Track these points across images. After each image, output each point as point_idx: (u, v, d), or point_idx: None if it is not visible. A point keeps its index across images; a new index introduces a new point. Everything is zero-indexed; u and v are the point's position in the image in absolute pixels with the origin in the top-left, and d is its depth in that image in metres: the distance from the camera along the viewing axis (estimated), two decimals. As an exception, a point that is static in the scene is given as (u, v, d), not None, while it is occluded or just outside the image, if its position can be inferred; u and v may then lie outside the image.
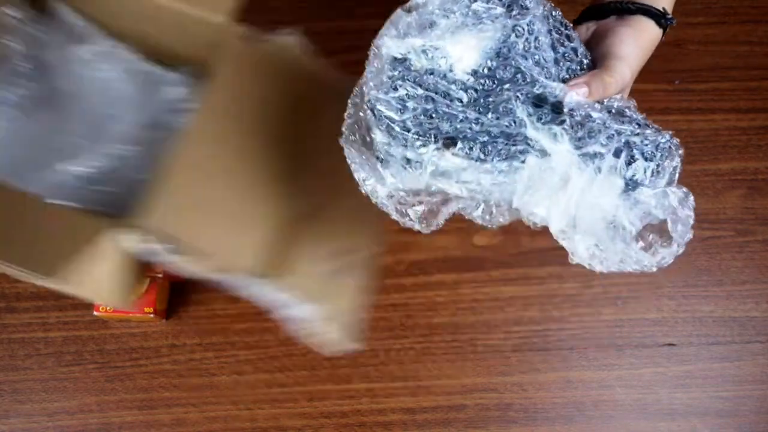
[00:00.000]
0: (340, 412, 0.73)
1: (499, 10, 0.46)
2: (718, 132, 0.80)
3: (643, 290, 0.76)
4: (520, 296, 0.76)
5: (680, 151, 0.49)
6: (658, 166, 0.48)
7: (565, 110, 0.46)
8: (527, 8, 0.47)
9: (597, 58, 0.50)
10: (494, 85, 0.46)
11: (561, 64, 0.48)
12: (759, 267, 0.77)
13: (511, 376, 0.74)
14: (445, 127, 0.45)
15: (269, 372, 0.73)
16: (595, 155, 0.47)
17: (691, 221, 0.49)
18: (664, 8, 0.51)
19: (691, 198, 0.49)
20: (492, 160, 0.46)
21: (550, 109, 0.47)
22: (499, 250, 0.77)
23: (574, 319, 0.75)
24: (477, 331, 0.75)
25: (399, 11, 0.46)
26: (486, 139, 0.46)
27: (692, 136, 0.80)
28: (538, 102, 0.47)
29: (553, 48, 0.48)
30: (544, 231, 0.77)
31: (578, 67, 0.49)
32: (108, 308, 0.69)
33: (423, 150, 0.45)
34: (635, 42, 0.50)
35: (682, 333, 0.75)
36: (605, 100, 0.49)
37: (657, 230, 0.49)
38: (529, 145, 0.46)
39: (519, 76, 0.46)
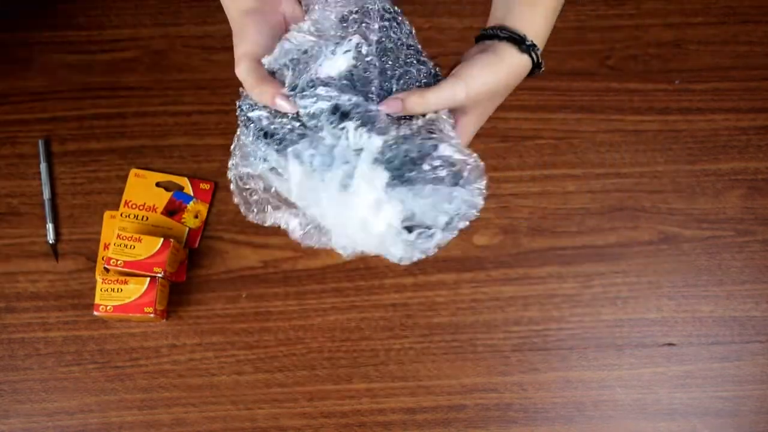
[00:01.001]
0: (340, 412, 0.73)
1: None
2: (718, 132, 0.81)
3: (643, 290, 0.76)
4: (520, 296, 0.76)
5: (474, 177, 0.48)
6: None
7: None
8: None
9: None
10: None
11: (400, 80, 0.50)
12: (759, 267, 0.77)
13: (511, 376, 0.74)
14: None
15: (269, 372, 0.73)
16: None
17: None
18: (524, 34, 0.50)
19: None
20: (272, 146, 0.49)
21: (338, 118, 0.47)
22: (499, 250, 0.77)
23: (574, 319, 0.75)
24: (477, 331, 0.75)
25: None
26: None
27: (692, 136, 0.80)
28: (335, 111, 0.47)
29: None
30: (544, 231, 0.77)
31: (416, 83, 0.50)
32: (108, 308, 0.69)
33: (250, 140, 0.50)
34: (488, 67, 0.50)
35: (682, 333, 0.75)
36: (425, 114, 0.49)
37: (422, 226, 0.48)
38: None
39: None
